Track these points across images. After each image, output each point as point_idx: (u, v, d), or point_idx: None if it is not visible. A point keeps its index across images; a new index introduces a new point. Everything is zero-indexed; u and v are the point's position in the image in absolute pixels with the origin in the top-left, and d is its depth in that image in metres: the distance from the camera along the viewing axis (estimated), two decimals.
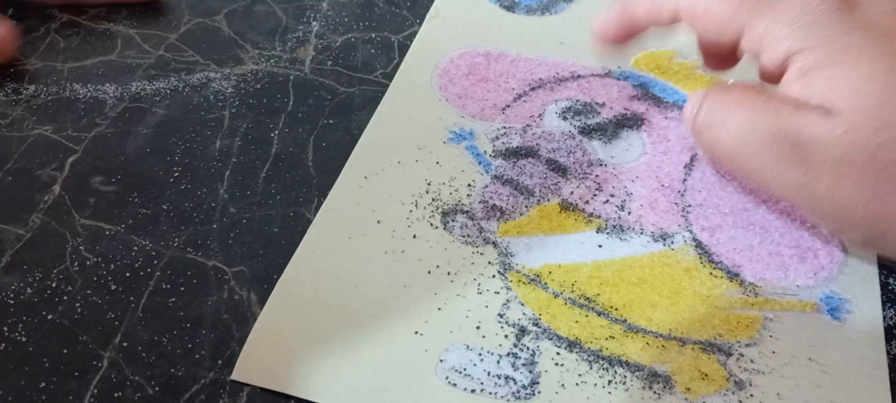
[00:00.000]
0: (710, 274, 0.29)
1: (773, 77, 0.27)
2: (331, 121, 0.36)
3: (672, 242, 0.30)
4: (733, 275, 0.29)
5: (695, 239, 0.30)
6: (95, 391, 0.26)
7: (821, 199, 0.26)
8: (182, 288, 0.29)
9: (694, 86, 0.37)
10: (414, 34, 0.40)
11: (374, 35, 0.41)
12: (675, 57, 0.38)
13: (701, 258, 0.30)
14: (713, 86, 0.29)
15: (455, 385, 0.25)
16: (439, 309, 0.28)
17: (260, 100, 0.37)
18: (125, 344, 0.27)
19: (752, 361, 0.26)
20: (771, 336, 0.27)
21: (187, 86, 0.38)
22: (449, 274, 0.29)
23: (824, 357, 0.27)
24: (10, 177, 0.33)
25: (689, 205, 0.32)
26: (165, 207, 0.32)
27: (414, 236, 0.30)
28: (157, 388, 0.26)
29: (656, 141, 0.34)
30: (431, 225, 0.30)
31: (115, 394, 0.26)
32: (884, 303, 0.29)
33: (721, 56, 0.31)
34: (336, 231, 0.30)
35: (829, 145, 0.25)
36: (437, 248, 0.30)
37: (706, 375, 0.26)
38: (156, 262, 0.30)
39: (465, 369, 0.26)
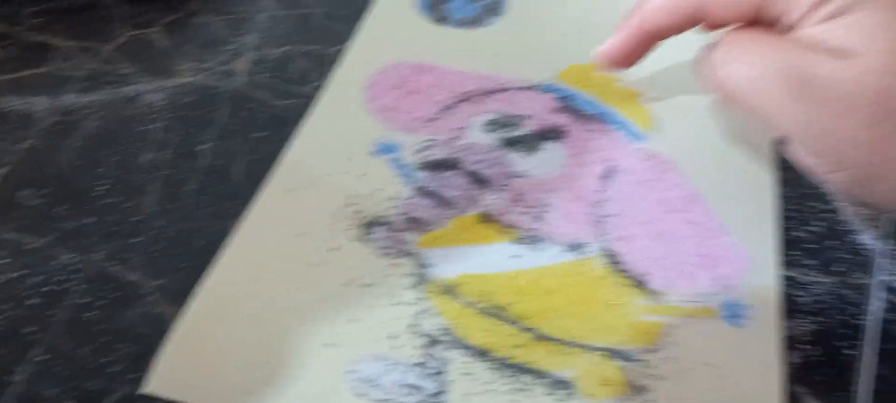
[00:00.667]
0: (619, 282, 0.30)
1: (786, 24, 0.28)
2: (263, 134, 0.36)
3: (585, 252, 0.31)
4: (641, 284, 0.30)
5: (607, 249, 0.31)
6: None
7: (822, 136, 0.26)
8: (103, 302, 0.29)
9: (617, 100, 0.38)
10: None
11: (310, 48, 0.41)
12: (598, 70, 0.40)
13: (611, 267, 0.31)
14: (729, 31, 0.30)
15: (363, 395, 0.26)
16: (354, 320, 0.28)
17: (193, 112, 0.37)
18: (42, 359, 0.27)
19: (653, 367, 0.28)
20: (672, 342, 0.28)
21: (120, 99, 0.38)
22: (366, 285, 0.30)
23: (721, 362, 0.28)
24: None
25: (604, 216, 0.33)
26: (92, 220, 0.32)
27: (333, 249, 0.31)
28: (72, 402, 0.26)
29: (575, 153, 0.35)
30: (350, 237, 0.31)
31: None
32: (787, 313, 0.30)
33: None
34: (256, 244, 0.31)
35: (841, 84, 0.25)
36: (356, 260, 0.30)
37: (607, 381, 0.27)
38: (78, 276, 0.30)
39: (373, 380, 0.27)
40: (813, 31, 0.27)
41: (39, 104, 0.37)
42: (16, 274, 0.30)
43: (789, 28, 0.28)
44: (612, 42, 0.34)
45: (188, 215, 0.33)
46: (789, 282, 0.31)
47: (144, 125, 0.36)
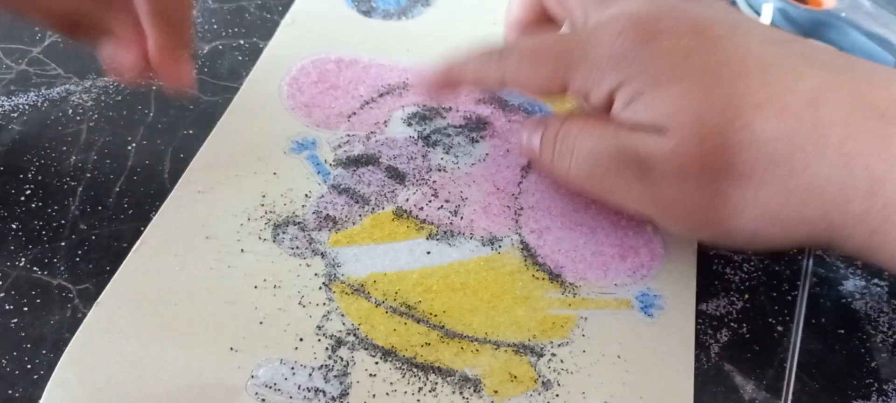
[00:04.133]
0: (533, 275, 0.30)
1: (603, 111, 0.29)
2: (191, 132, 0.36)
3: (500, 246, 0.31)
4: (555, 276, 0.30)
5: (522, 242, 0.31)
6: None
7: (670, 206, 0.28)
8: (25, 309, 0.29)
9: None
10: None
11: (242, 42, 0.41)
12: None
13: (526, 260, 0.31)
14: (554, 117, 0.31)
15: (264, 400, 0.26)
16: (260, 323, 0.28)
17: (120, 112, 0.37)
18: None
19: (562, 361, 0.27)
20: (583, 335, 0.28)
21: (46, 101, 0.37)
22: (274, 287, 0.29)
23: (632, 355, 0.28)
24: None
25: (522, 208, 0.32)
26: (14, 226, 0.32)
27: (242, 250, 0.30)
28: None
29: (497, 144, 0.35)
30: (261, 238, 0.31)
31: None
32: (718, 292, 0.30)
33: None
34: (162, 248, 0.30)
35: (666, 158, 0.27)
36: (265, 262, 0.30)
37: (515, 377, 0.27)
38: (0, 283, 0.30)
39: (275, 384, 0.26)
40: (624, 115, 0.28)
41: None
42: None
43: (600, 109, 0.29)
44: (429, 74, 0.33)
45: (112, 217, 0.32)
46: (722, 261, 0.31)
47: (70, 127, 0.36)
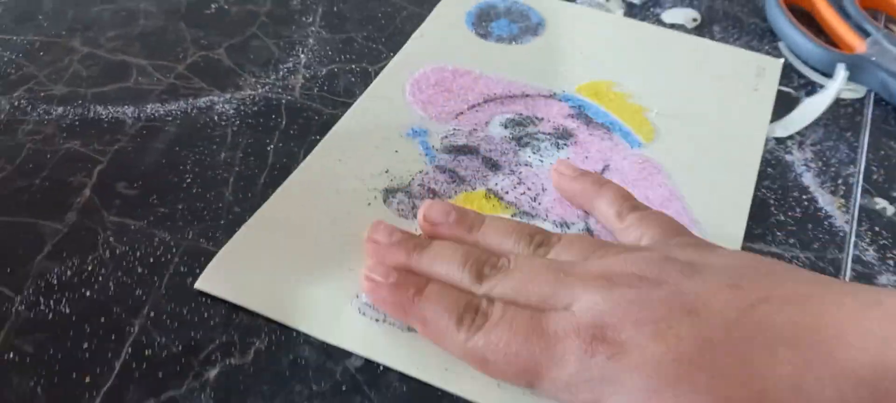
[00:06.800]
0: None
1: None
2: (317, 137, 0.42)
3: (568, 228, 0.37)
4: None
5: (588, 228, 0.37)
6: (129, 350, 0.31)
7: None
8: (197, 271, 0.34)
9: (625, 113, 0.44)
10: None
11: (353, 66, 0.47)
12: (612, 86, 0.45)
13: None
14: None
15: (364, 314, 0.33)
16: None
17: (257, 120, 0.43)
18: (152, 314, 0.33)
19: None
20: None
21: (195, 109, 0.44)
22: None
23: None
24: (46, 183, 0.38)
25: None
26: (180, 207, 0.38)
27: (367, 204, 0.38)
28: (180, 347, 0.32)
29: (578, 151, 0.41)
30: (378, 198, 0.38)
31: (146, 352, 0.31)
32: None
33: None
34: (302, 191, 0.38)
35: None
36: (378, 215, 0.37)
37: None
38: (174, 250, 0.35)
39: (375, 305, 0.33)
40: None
41: (126, 113, 0.43)
42: (124, 249, 0.35)
43: None
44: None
45: (259, 203, 0.38)
46: (768, 257, 0.36)
47: (217, 130, 0.42)
